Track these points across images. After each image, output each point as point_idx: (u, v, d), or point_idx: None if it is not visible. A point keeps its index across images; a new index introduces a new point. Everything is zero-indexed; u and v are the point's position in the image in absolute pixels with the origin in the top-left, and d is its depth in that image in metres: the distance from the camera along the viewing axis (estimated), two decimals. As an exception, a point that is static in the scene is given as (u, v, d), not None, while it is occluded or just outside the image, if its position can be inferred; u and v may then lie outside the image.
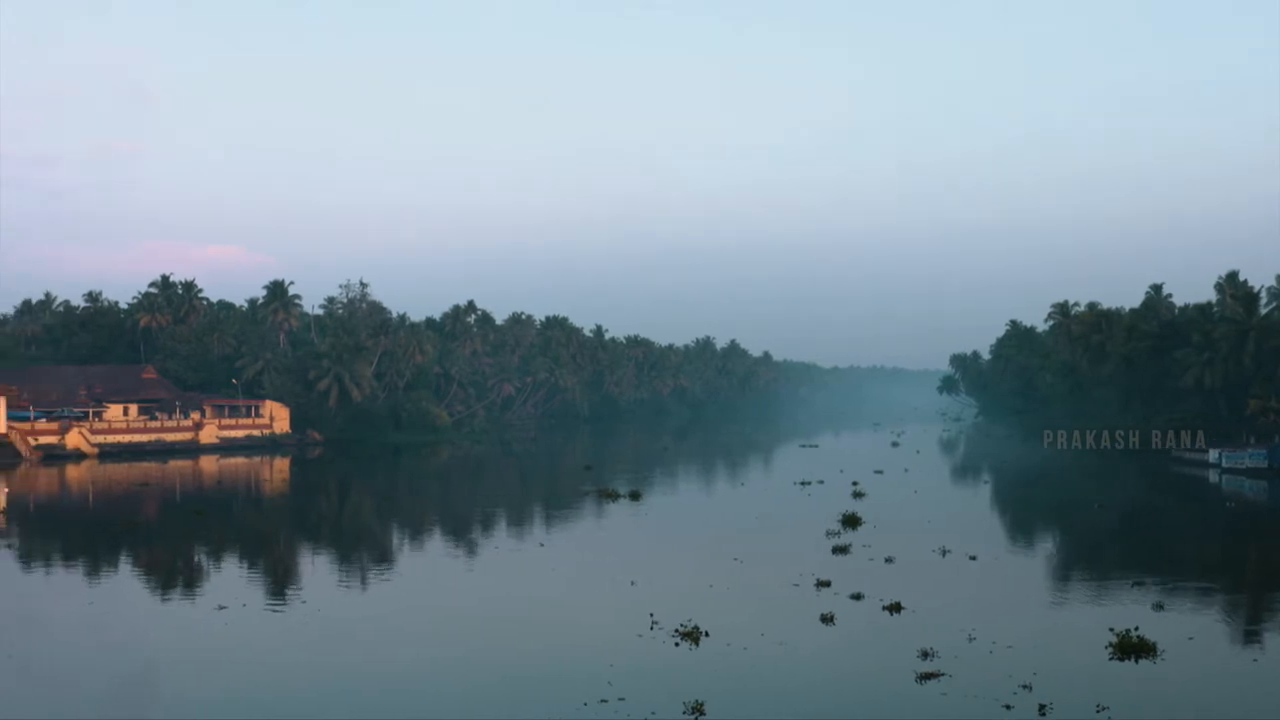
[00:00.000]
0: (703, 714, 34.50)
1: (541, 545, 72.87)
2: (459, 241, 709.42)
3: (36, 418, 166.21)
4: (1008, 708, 34.83)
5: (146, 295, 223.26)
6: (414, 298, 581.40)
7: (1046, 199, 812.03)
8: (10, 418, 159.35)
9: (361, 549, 75.65)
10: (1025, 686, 36.76)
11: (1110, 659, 40.74)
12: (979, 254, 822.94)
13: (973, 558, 64.50)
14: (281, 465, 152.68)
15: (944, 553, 65.85)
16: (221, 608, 51.49)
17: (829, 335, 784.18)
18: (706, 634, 43.75)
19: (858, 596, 51.59)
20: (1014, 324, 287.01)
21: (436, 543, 78.52)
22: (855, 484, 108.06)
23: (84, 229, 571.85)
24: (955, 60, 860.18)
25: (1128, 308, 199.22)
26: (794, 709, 36.10)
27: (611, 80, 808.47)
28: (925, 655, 40.61)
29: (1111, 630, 42.52)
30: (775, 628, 45.72)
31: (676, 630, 44.37)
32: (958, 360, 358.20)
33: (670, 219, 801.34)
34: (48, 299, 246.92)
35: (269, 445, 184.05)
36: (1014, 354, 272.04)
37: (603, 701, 35.78)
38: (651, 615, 46.93)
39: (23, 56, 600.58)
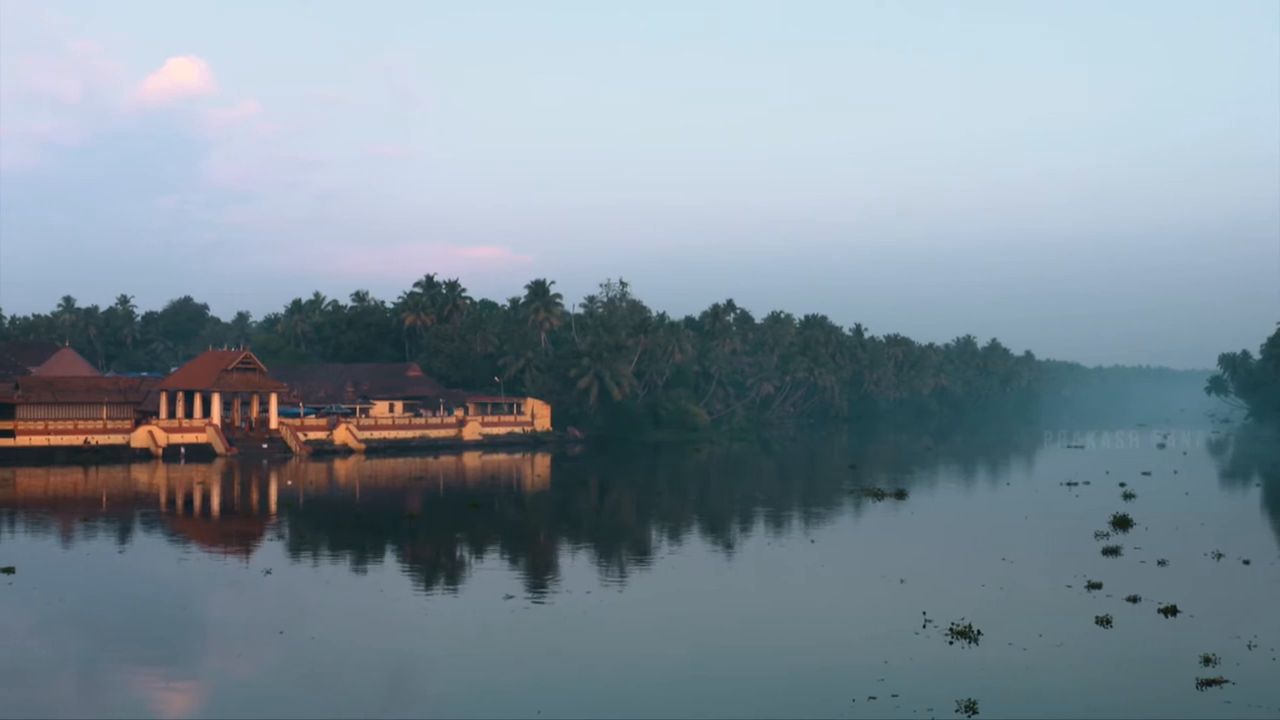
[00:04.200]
0: (975, 713, 34.05)
1: (812, 542, 72.94)
2: (718, 241, 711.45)
3: (306, 414, 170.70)
4: (1295, 718, 33.74)
5: (411, 295, 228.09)
6: (672, 295, 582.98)
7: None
8: (281, 414, 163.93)
9: (630, 544, 76.47)
10: (1311, 697, 35.60)
11: (1400, 669, 39.31)
12: (1249, 248, 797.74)
13: (1246, 561, 62.96)
14: (543, 462, 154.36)
15: (1217, 556, 64.32)
16: (509, 597, 53.31)
17: (1092, 334, 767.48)
18: (980, 633, 43.20)
19: (1134, 599, 50.61)
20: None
21: (704, 538, 79.04)
22: (1123, 485, 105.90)
23: (352, 230, 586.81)
24: (1204, 44, 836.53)
25: None
26: (1069, 711, 35.64)
27: (864, 81, 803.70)
28: (1206, 661, 39.60)
29: (1401, 640, 41.05)
30: (1050, 628, 45.16)
31: (950, 629, 43.99)
32: (1226, 360, 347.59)
33: (929, 217, 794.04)
34: (317, 298, 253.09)
35: (530, 442, 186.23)
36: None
37: (871, 699, 35.61)
38: (924, 614, 46.59)
39: (295, 64, 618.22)
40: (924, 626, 45.03)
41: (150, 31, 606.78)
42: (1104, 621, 46.10)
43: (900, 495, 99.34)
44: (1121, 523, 77.34)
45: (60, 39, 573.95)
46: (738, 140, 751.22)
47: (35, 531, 79.05)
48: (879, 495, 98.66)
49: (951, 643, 42.57)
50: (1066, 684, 38.29)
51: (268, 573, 59.93)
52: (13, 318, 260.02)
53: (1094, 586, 53.90)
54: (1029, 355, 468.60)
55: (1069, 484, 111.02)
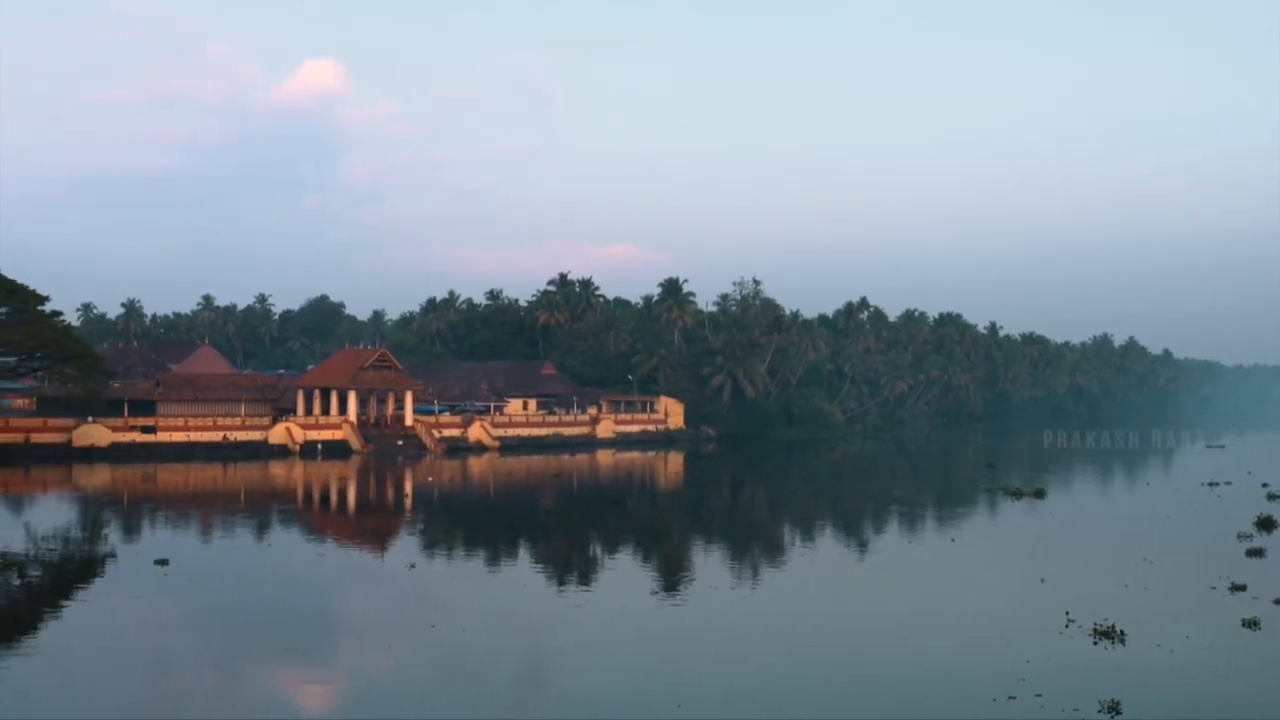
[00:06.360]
0: (1118, 713, 33.68)
1: (952, 540, 72.48)
2: (851, 239, 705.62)
3: (441, 411, 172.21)
4: None
5: (545, 293, 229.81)
6: (806, 293, 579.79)
7: None
8: (417, 411, 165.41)
9: (764, 542, 76.66)
10: None
11: None
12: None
13: (1398, 565, 61.67)
14: (677, 460, 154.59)
15: (1367, 559, 63.19)
16: (654, 592, 54.31)
17: (1232, 332, 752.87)
18: (1124, 633, 42.72)
19: (1280, 602, 49.72)
20: None
21: (840, 537, 78.91)
22: (1266, 486, 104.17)
23: (484, 229, 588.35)
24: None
25: None
26: (1216, 713, 35.17)
27: (993, 73, 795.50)
28: (1358, 666, 38.92)
29: None
30: (1196, 630, 44.56)
31: (1093, 629, 43.51)
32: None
33: (1065, 212, 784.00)
34: (451, 297, 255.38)
35: (663, 440, 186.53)
36: None
37: (1011, 699, 35.31)
38: (1067, 613, 46.18)
39: (429, 65, 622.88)
40: (1066, 626, 44.59)
41: (287, 34, 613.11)
42: (1251, 624, 45.38)
43: (1038, 494, 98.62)
44: (1266, 524, 76.05)
45: (199, 43, 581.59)
46: (870, 137, 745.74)
47: (181, 526, 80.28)
48: (1017, 494, 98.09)
49: (1095, 643, 42.09)
50: (1213, 686, 37.80)
51: (411, 567, 60.71)
52: (154, 316, 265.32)
53: (1239, 588, 53.12)
54: (1167, 354, 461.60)
55: (1210, 484, 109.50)
